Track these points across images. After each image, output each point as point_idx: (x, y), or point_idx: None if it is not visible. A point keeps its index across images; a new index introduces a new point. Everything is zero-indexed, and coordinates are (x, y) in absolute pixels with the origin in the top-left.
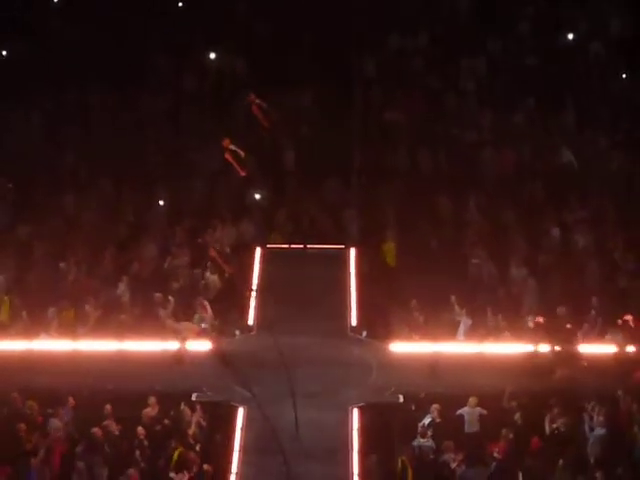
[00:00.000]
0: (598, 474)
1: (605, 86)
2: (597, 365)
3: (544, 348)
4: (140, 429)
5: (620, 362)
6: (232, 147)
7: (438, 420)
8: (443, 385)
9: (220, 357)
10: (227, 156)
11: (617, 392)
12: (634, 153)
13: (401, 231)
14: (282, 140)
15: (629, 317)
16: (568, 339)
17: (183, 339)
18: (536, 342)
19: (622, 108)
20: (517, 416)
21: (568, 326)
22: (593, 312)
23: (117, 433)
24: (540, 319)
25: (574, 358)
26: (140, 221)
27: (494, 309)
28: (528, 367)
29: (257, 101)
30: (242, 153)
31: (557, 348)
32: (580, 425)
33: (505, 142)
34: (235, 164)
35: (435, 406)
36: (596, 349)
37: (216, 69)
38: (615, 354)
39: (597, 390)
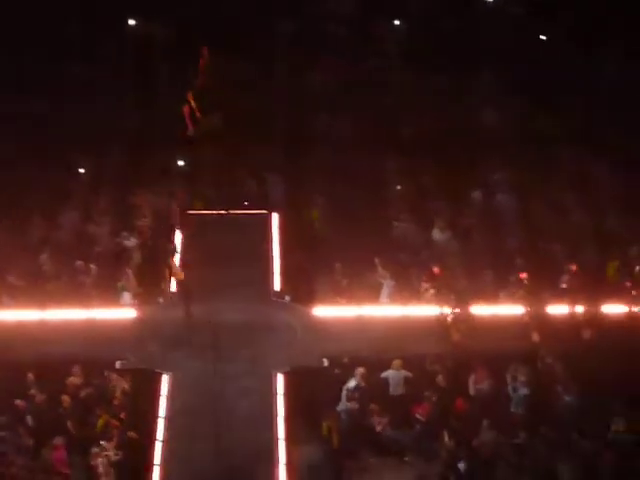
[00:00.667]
0: (522, 433)
1: (524, 48)
2: (518, 326)
3: (444, 310)
4: (65, 397)
5: (540, 323)
6: (192, 103)
7: (363, 384)
8: (367, 348)
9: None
10: (184, 109)
11: (539, 353)
12: (554, 114)
13: (324, 195)
14: (206, 106)
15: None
16: (462, 300)
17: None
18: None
19: (542, 70)
20: (440, 378)
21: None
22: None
23: (41, 402)
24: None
25: (468, 320)
26: (61, 189)
27: (418, 271)
28: (435, 329)
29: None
30: (197, 112)
31: (453, 310)
32: (503, 386)
33: (425, 105)
34: (187, 119)
35: (360, 370)
36: (517, 310)
37: (136, 35)
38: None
39: (520, 351)
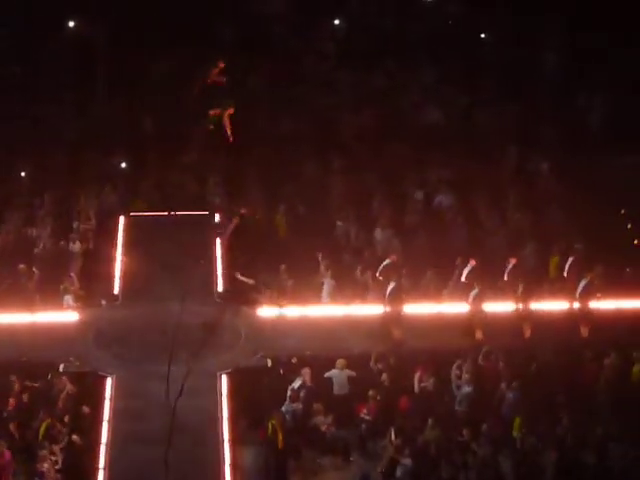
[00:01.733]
0: (465, 431)
1: (464, 45)
2: (461, 324)
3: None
4: (11, 401)
5: (478, 321)
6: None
7: (309, 384)
8: (312, 348)
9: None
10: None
11: (483, 350)
12: (495, 111)
13: (267, 195)
14: (145, 108)
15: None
16: (397, 300)
17: None
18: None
19: (482, 67)
20: (384, 377)
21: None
22: (457, 272)
23: None
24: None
25: (401, 319)
26: (2, 193)
27: (362, 270)
28: (379, 328)
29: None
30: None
31: (386, 309)
32: (448, 384)
33: (366, 103)
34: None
35: (306, 369)
36: (460, 308)
37: (74, 37)
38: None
39: (464, 349)
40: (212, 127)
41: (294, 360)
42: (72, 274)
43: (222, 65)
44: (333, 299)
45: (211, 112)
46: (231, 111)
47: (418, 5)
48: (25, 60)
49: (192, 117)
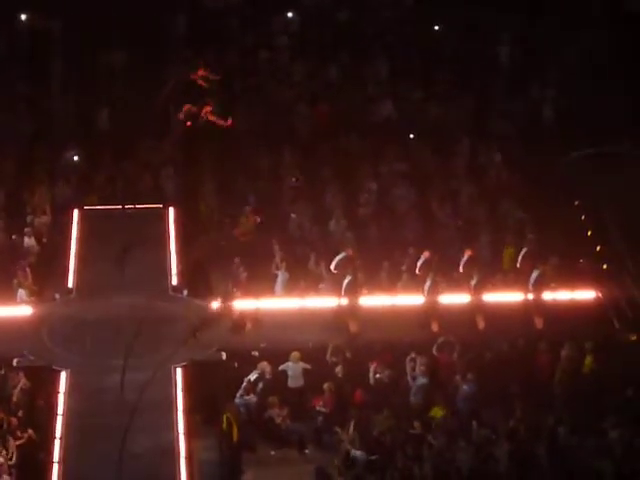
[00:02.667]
0: (419, 423)
1: (418, 38)
2: (415, 316)
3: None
4: None
5: (433, 313)
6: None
7: (268, 376)
8: (266, 341)
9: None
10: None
11: (437, 342)
12: (449, 104)
13: (219, 188)
14: (99, 102)
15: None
16: (353, 292)
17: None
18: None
19: (436, 60)
20: (338, 369)
21: (348, 277)
22: (411, 263)
23: None
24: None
25: (357, 311)
26: None
27: (316, 262)
28: (333, 320)
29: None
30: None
31: (342, 301)
32: (403, 375)
33: (320, 96)
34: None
35: (265, 363)
36: (415, 300)
37: (28, 30)
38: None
39: (419, 341)
40: (189, 123)
41: (255, 353)
42: (26, 268)
43: (204, 71)
44: (287, 291)
45: (186, 108)
46: (208, 108)
47: None
48: None
49: (148, 111)
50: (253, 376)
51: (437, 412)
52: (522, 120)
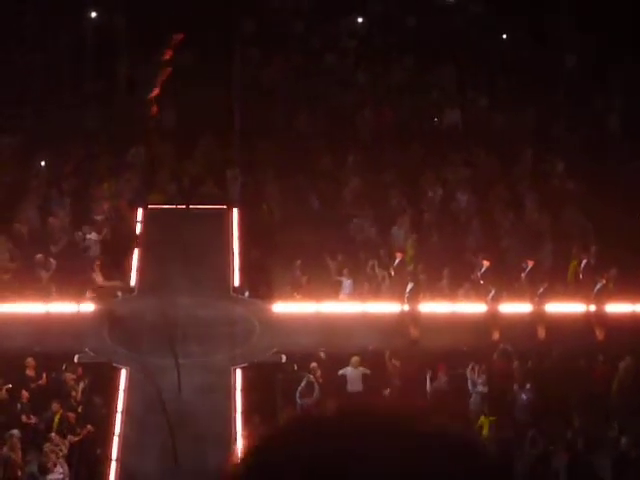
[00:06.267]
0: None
1: (485, 46)
2: (476, 325)
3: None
4: (24, 393)
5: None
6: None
7: (313, 379)
8: (326, 345)
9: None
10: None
11: (498, 350)
12: (513, 112)
13: (283, 191)
14: (167, 101)
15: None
16: (415, 298)
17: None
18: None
19: (502, 68)
20: (398, 375)
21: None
22: (476, 272)
23: None
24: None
25: (418, 317)
26: (20, 181)
27: (377, 267)
28: (394, 326)
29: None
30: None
31: (403, 307)
32: (463, 383)
33: (385, 101)
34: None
35: (313, 364)
36: (476, 308)
37: (95, 27)
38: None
39: (480, 348)
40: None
41: (322, 355)
42: (94, 266)
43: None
44: (351, 297)
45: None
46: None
47: (439, 4)
48: (43, 50)
49: (209, 110)
50: (305, 380)
51: (485, 423)
52: (587, 129)
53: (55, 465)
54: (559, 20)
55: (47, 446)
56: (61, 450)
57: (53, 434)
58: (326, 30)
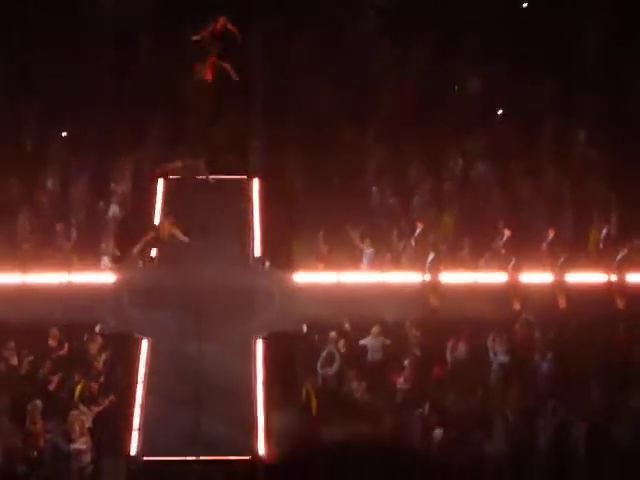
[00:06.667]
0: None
1: (507, 16)
2: (496, 294)
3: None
4: (47, 362)
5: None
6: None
7: (335, 350)
8: (347, 315)
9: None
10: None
11: (520, 319)
12: (535, 84)
13: (304, 162)
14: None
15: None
16: (436, 269)
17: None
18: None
19: (524, 39)
20: (418, 345)
21: (432, 254)
22: (497, 241)
23: (18, 366)
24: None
25: (439, 287)
26: (41, 151)
27: (398, 237)
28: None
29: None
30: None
31: (424, 277)
32: (484, 353)
33: (403, 72)
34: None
35: (332, 334)
36: (497, 278)
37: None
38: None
39: (499, 318)
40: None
41: (347, 326)
42: (110, 236)
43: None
44: (372, 267)
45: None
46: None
47: None
48: (65, 21)
49: (228, 83)
50: (326, 350)
51: None
52: (610, 98)
53: (80, 435)
54: None
55: (72, 414)
56: (86, 420)
57: (80, 404)
58: (348, 2)
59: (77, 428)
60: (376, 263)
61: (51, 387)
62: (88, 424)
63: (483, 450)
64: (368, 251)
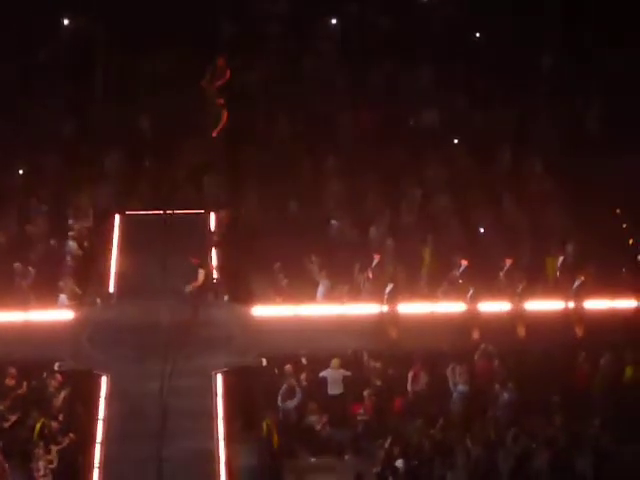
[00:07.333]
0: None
1: (460, 46)
2: (455, 324)
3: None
4: (5, 400)
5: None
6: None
7: (294, 382)
8: (306, 347)
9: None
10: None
11: (479, 349)
12: (490, 112)
13: (261, 194)
14: (142, 107)
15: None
16: (395, 300)
17: None
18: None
19: (478, 67)
20: (378, 377)
21: (390, 285)
22: (454, 271)
23: None
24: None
25: (398, 318)
26: None
27: (359, 269)
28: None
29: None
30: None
31: (383, 309)
32: (444, 383)
33: (362, 103)
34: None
35: (287, 367)
36: (455, 308)
37: (70, 35)
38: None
39: (458, 348)
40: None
41: (304, 360)
42: (67, 273)
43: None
44: (328, 299)
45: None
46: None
47: (415, 5)
48: (20, 59)
49: (186, 116)
50: (286, 383)
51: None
52: (565, 127)
53: (44, 475)
54: (537, 18)
55: (37, 453)
56: (53, 459)
57: (40, 442)
58: (303, 33)
59: (42, 467)
60: (332, 295)
61: (6, 425)
62: (53, 464)
63: None
64: (324, 283)
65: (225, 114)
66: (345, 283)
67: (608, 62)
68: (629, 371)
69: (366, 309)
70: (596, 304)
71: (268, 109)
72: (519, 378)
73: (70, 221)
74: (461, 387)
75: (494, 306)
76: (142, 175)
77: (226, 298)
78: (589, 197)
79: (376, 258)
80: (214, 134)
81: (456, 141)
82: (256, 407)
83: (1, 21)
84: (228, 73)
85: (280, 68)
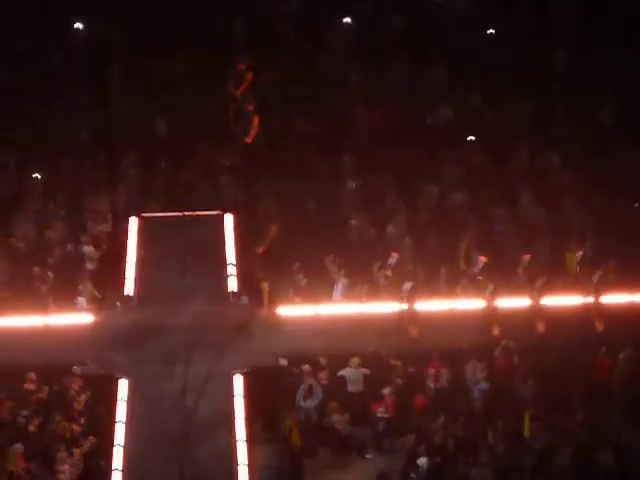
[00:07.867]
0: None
1: (474, 43)
2: (474, 321)
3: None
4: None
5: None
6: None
7: (312, 381)
8: (326, 347)
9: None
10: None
11: (500, 346)
12: (505, 108)
13: (279, 194)
14: (158, 109)
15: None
16: (414, 298)
17: None
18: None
19: (491, 64)
20: (399, 374)
21: (409, 283)
22: (474, 268)
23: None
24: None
25: (416, 317)
26: (15, 195)
27: (378, 267)
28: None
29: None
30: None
31: (402, 307)
32: (465, 380)
33: (378, 101)
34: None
35: (306, 367)
36: (475, 305)
37: (87, 38)
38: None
39: (478, 345)
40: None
41: (323, 361)
42: (86, 276)
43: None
44: (346, 298)
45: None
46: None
47: (429, 3)
48: (38, 61)
49: (203, 117)
50: (304, 385)
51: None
52: (582, 122)
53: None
54: (552, 13)
55: (60, 455)
56: (75, 464)
57: (62, 445)
58: (318, 33)
59: (66, 470)
60: (350, 294)
61: (29, 429)
62: (79, 469)
63: (469, 477)
64: (343, 282)
65: (256, 119)
66: (364, 282)
67: (625, 56)
68: None
69: (385, 307)
70: (616, 298)
71: (284, 109)
72: (539, 374)
73: (88, 224)
74: (481, 384)
75: (513, 302)
76: (159, 177)
77: (245, 299)
78: (607, 191)
79: (394, 256)
80: (248, 141)
81: (472, 138)
82: (277, 407)
83: (18, 26)
84: (250, 76)
85: (295, 68)
